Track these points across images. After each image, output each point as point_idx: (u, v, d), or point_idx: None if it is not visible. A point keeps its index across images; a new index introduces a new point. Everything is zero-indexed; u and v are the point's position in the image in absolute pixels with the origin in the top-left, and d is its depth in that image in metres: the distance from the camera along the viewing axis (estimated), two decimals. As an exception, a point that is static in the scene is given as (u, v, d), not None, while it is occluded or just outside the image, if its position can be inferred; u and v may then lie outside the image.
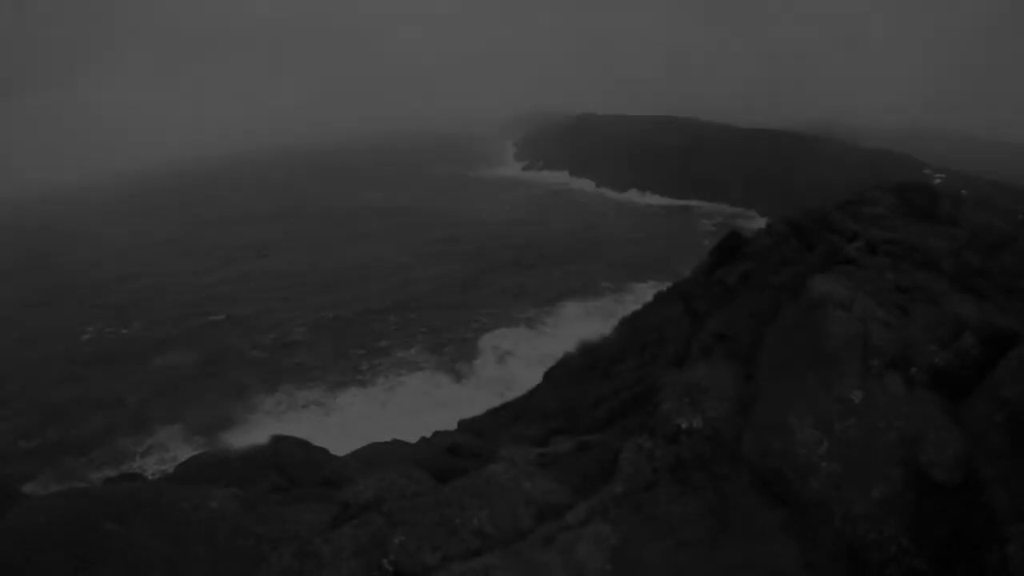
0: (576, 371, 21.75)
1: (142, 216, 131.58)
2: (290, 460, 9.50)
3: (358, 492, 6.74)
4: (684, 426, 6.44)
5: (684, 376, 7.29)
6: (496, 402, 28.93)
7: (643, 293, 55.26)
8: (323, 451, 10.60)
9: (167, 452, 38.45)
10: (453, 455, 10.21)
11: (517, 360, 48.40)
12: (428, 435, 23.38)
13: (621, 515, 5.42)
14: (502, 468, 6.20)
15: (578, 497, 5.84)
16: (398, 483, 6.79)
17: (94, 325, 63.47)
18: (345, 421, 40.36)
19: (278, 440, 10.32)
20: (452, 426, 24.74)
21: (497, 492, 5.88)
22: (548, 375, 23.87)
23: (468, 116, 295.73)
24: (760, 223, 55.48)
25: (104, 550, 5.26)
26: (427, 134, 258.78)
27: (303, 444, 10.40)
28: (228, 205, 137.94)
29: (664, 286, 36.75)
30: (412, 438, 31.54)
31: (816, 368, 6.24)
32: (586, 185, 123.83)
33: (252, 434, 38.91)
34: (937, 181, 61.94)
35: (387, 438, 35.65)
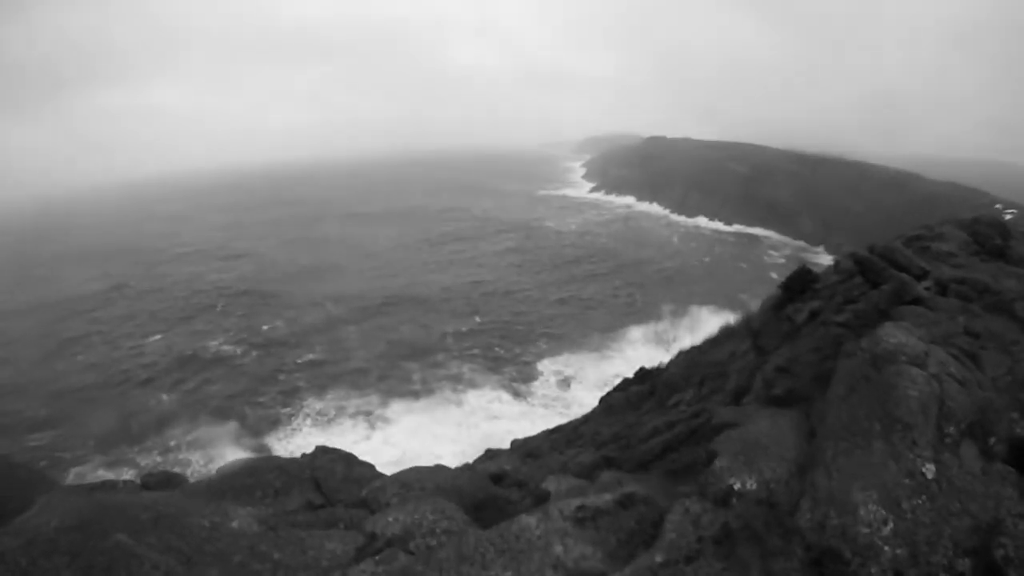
0: (632, 398, 21.11)
1: (205, 215, 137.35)
2: (329, 475, 9.30)
3: (387, 524, 6.58)
4: (737, 487, 5.94)
5: (742, 431, 6.78)
6: (553, 422, 28.52)
7: (704, 320, 53.98)
8: (369, 467, 10.32)
9: (213, 448, 39.44)
10: (496, 483, 9.75)
11: (576, 382, 48.18)
12: (484, 448, 23.07)
13: (656, 589, 4.90)
14: (535, 522, 5.81)
15: (613, 563, 5.41)
16: (429, 518, 6.59)
17: (157, 320, 65.97)
18: (394, 431, 40.72)
19: (320, 452, 10.06)
20: (505, 443, 24.44)
21: (526, 550, 5.49)
22: (604, 400, 23.28)
23: (538, 135, 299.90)
24: (828, 259, 53.70)
25: (111, 562, 5.08)
26: (496, 151, 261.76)
27: (345, 458, 10.13)
28: (291, 210, 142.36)
29: (726, 314, 35.69)
30: (460, 452, 31.36)
31: (887, 434, 5.63)
32: (654, 210, 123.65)
33: (297, 437, 39.97)
34: (1008, 217, 58.66)
35: (434, 451, 35.64)
